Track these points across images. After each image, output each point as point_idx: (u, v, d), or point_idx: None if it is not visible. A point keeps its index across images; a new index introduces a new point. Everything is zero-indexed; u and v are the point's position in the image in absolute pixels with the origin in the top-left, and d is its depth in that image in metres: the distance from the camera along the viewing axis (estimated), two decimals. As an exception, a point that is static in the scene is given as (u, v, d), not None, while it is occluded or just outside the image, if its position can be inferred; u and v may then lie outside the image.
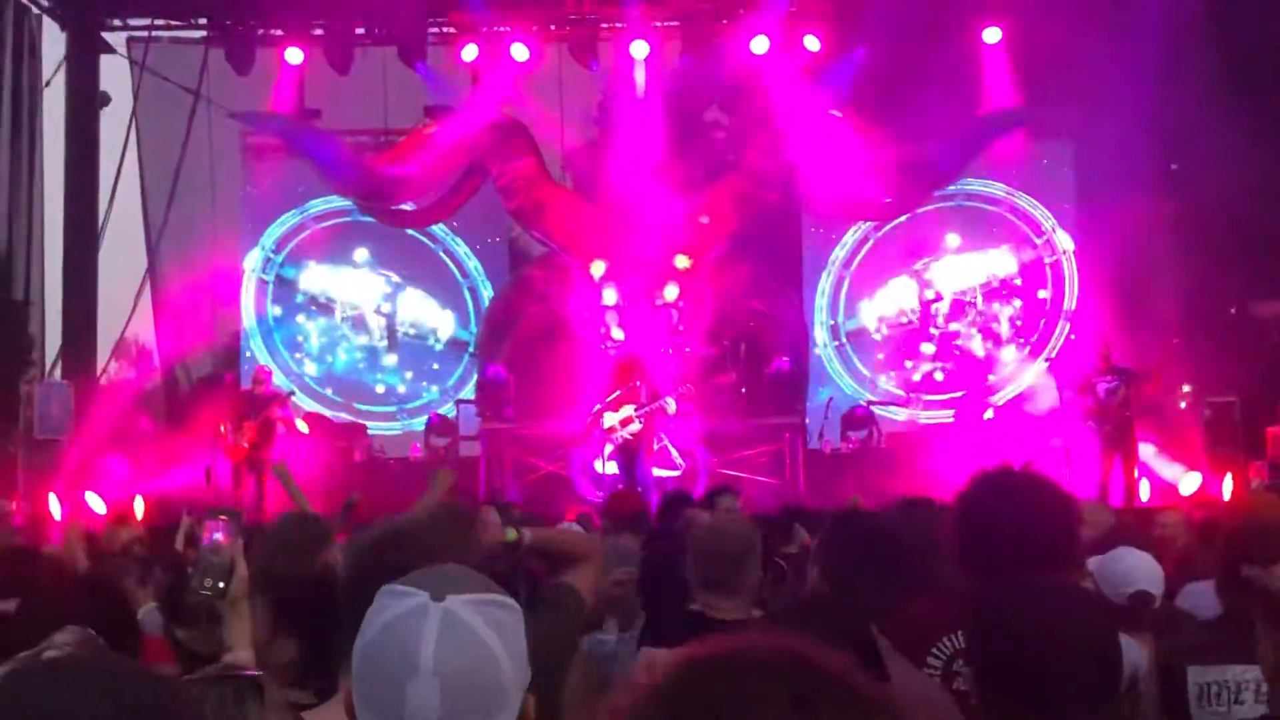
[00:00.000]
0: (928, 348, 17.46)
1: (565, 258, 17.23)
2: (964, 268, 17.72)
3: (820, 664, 1.24)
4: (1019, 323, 17.40)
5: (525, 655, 1.84)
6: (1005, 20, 16.47)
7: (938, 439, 15.03)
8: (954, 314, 17.50)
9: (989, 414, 15.97)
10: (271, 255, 18.19)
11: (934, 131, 16.32)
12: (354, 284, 18.36)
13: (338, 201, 17.93)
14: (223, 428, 14.48)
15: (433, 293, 18.40)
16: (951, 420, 16.21)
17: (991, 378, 17.03)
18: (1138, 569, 4.54)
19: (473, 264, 18.39)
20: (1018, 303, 17.38)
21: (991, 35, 16.69)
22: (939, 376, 17.30)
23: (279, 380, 16.24)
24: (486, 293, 18.36)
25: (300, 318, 18.27)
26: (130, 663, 1.92)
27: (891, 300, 17.90)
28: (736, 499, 8.23)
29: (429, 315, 18.44)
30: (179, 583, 3.61)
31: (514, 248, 18.28)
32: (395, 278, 18.31)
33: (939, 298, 17.66)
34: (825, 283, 18.05)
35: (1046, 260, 17.46)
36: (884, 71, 16.14)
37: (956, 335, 17.38)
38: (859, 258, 17.98)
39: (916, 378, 17.32)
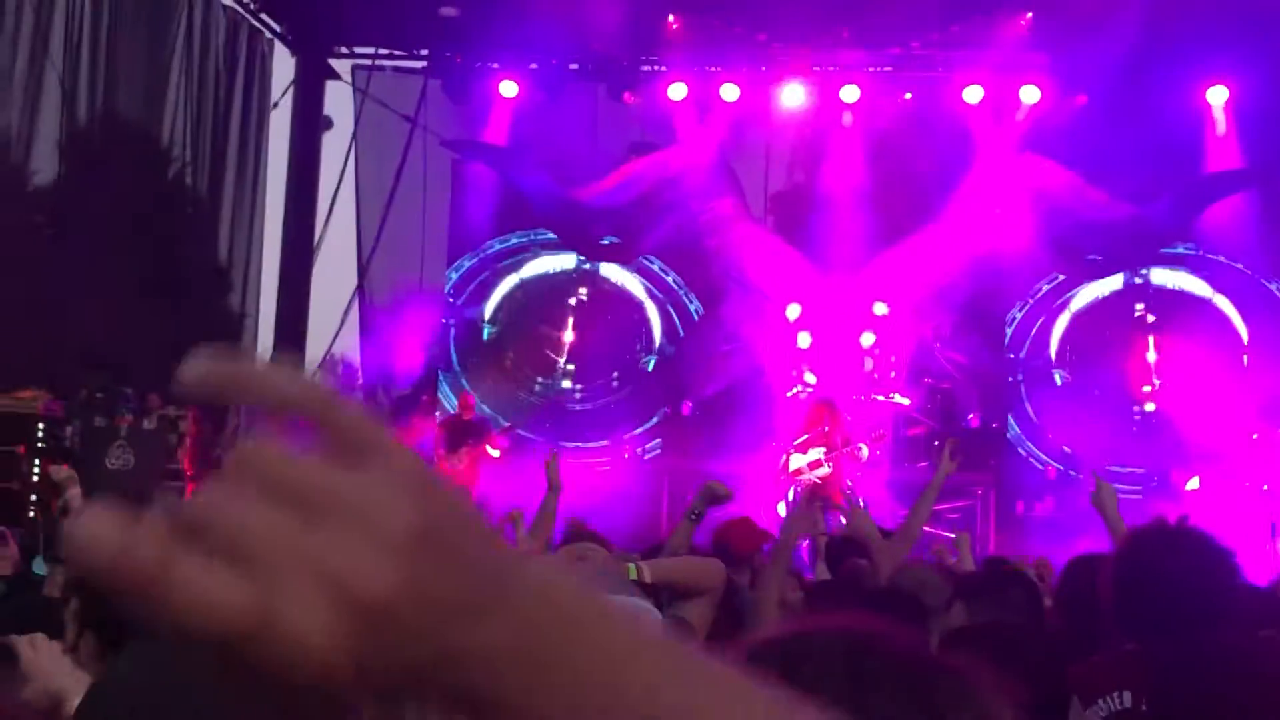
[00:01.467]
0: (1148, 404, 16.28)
1: (761, 298, 17.18)
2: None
3: (882, 642, 1.18)
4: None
5: None
6: (1231, 80, 15.90)
7: (1137, 508, 14.40)
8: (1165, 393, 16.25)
9: (1194, 483, 15.24)
10: (451, 299, 18.13)
11: (1152, 191, 15.80)
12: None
13: (515, 240, 18.07)
14: (440, 453, 14.85)
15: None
16: (1140, 494, 15.22)
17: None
18: None
19: (671, 277, 18.19)
20: None
21: (1217, 95, 16.11)
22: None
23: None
24: (693, 305, 18.13)
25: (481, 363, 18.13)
26: None
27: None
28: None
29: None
30: None
31: (711, 285, 18.23)
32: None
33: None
34: (1017, 312, 17.45)
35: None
36: (1103, 126, 15.76)
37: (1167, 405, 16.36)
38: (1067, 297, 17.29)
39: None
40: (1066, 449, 16.43)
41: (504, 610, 0.61)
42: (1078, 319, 17.13)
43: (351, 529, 0.56)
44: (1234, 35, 15.11)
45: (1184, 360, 15.85)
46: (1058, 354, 17.14)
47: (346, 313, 18.18)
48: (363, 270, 18.27)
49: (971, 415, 15.87)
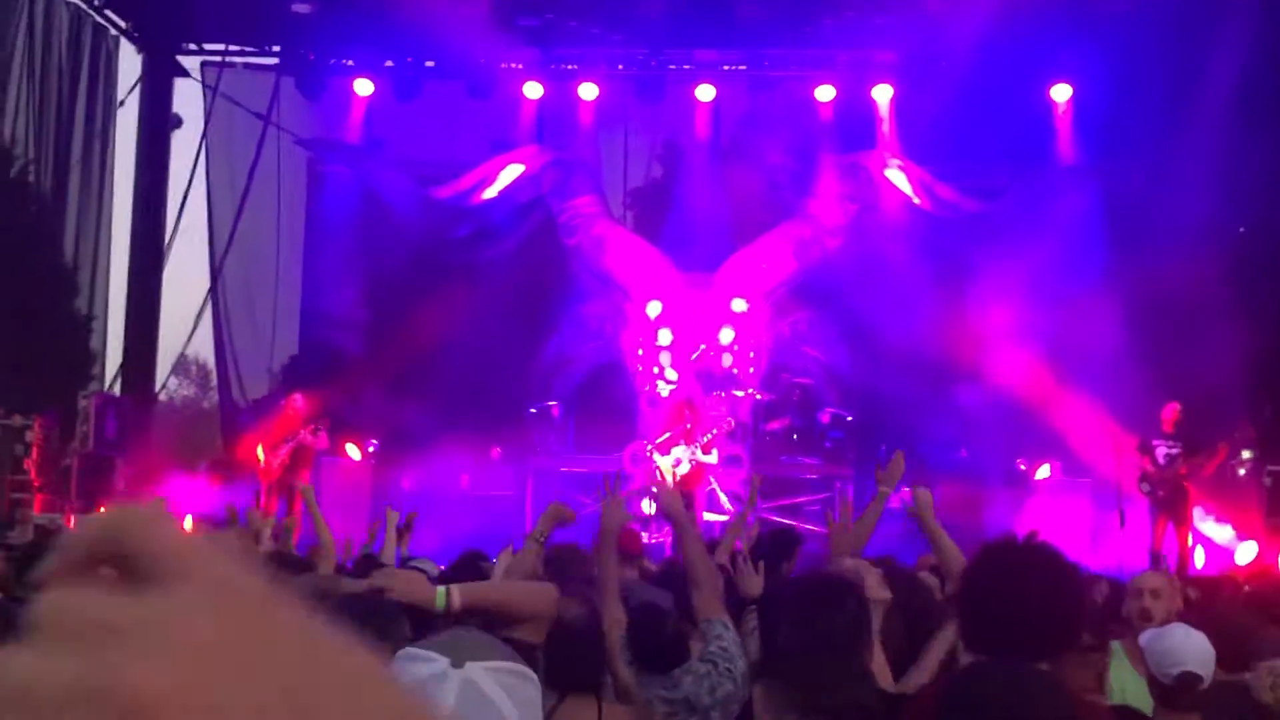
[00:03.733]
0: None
1: (622, 296, 17.25)
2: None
3: None
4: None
5: None
6: (1074, 78, 16.40)
7: (992, 500, 14.65)
8: None
9: (1044, 472, 15.57)
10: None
11: (999, 187, 16.22)
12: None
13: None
14: (260, 450, 14.72)
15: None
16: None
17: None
18: (1184, 648, 4.41)
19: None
20: None
21: (1060, 93, 16.61)
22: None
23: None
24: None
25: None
26: None
27: None
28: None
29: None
30: None
31: (573, 283, 18.21)
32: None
33: None
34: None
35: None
36: (952, 123, 16.11)
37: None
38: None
39: None
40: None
41: None
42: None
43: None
44: (1077, 35, 15.60)
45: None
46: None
47: (200, 315, 17.77)
48: (215, 272, 17.88)
49: (837, 407, 16.09)
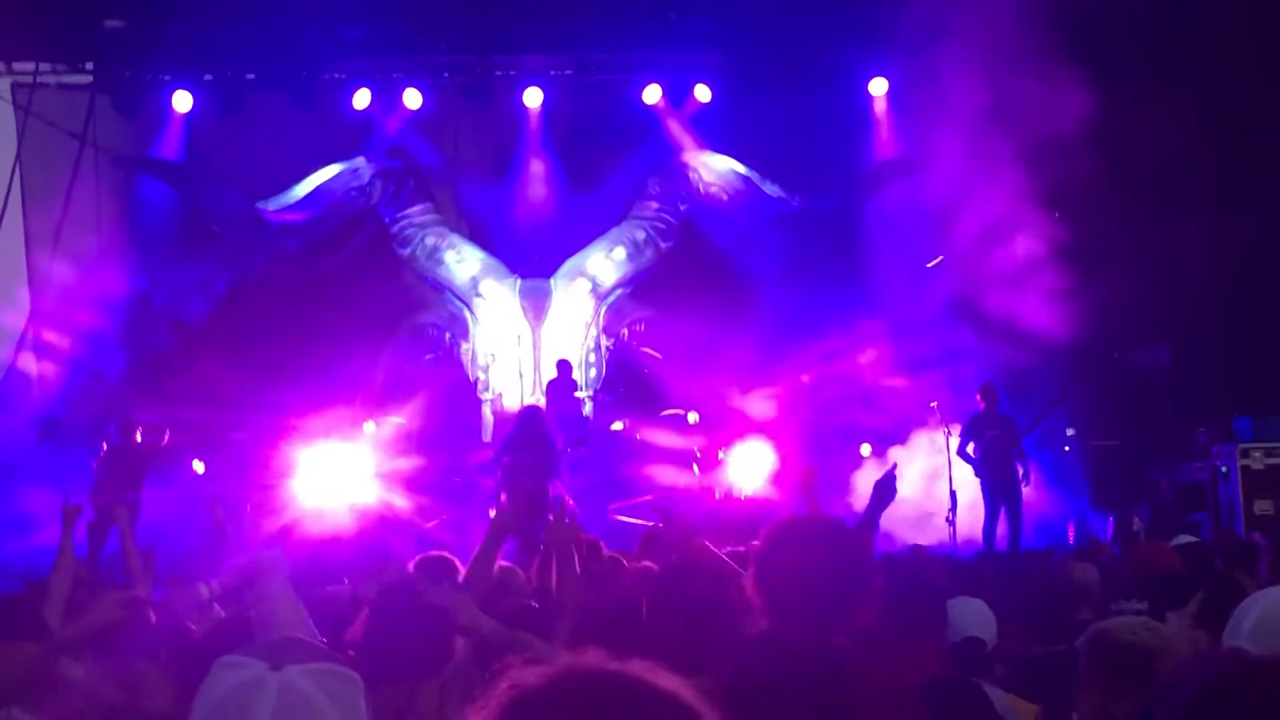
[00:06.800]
0: None
1: (459, 305, 17.17)
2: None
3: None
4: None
5: None
6: (891, 72, 16.79)
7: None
8: None
9: (865, 450, 15.70)
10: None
11: (822, 182, 16.52)
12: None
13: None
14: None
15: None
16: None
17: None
18: (968, 616, 4.73)
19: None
20: None
21: (877, 87, 17.00)
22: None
23: None
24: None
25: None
26: None
27: None
28: None
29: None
30: None
31: (409, 295, 18.01)
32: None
33: None
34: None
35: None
36: (774, 120, 16.36)
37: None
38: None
39: None
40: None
41: None
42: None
43: None
44: (891, 31, 15.95)
45: None
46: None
47: (20, 344, 17.12)
48: (35, 297, 17.28)
49: (677, 407, 16.21)
